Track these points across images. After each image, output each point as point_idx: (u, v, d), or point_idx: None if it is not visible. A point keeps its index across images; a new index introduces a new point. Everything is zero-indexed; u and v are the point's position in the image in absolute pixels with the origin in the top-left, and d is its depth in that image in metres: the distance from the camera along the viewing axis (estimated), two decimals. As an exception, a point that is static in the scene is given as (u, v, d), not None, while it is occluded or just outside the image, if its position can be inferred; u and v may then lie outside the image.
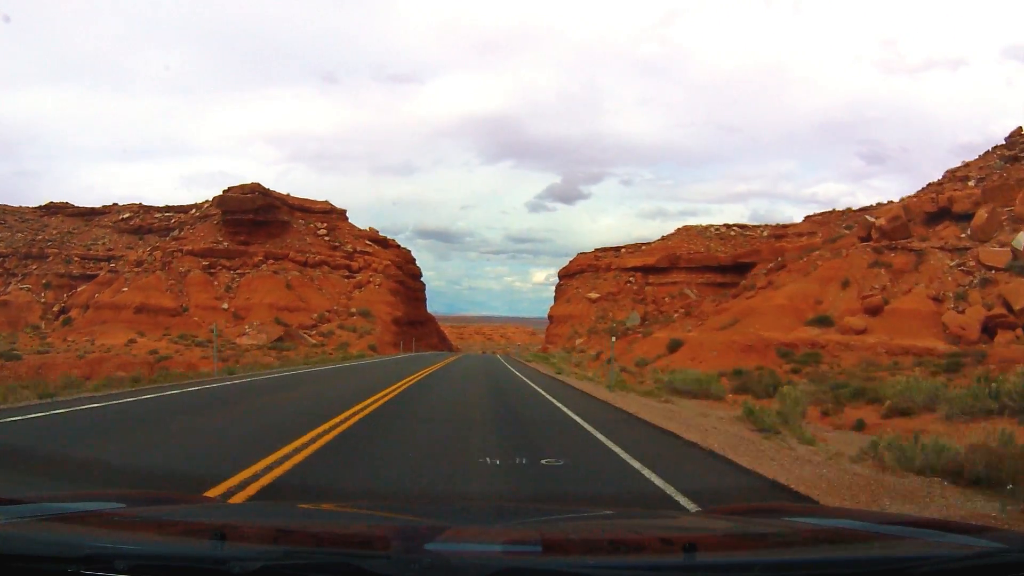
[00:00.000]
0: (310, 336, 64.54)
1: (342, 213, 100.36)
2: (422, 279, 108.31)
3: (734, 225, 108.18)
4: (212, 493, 6.20)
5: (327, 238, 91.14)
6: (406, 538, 2.50)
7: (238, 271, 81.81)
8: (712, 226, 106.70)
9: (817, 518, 3.15)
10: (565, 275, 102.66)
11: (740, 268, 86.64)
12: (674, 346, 38.74)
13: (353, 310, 73.57)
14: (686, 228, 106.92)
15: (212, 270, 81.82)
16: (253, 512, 3.57)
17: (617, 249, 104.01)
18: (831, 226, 75.95)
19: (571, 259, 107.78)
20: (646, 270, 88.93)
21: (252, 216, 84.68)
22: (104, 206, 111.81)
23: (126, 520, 2.49)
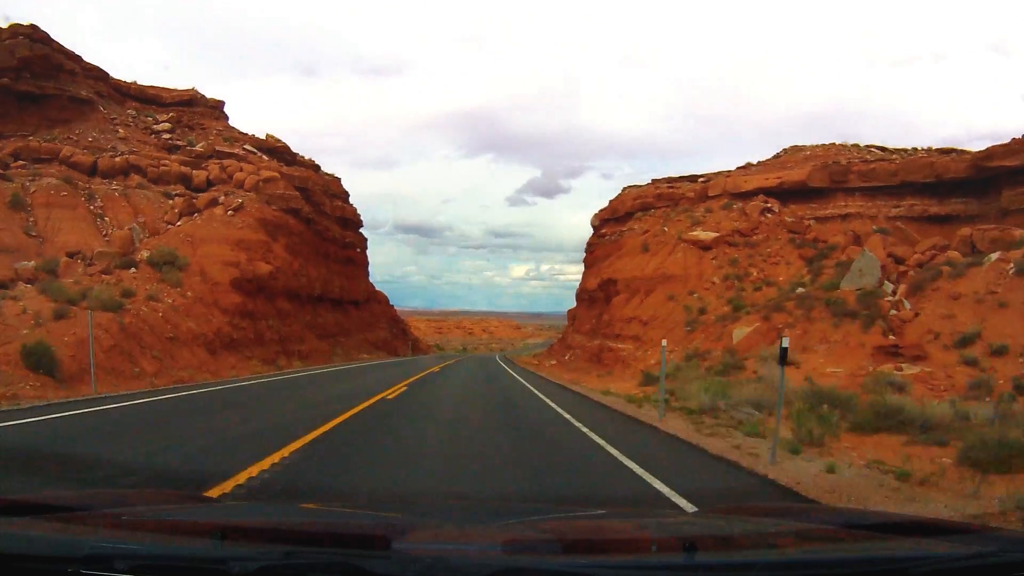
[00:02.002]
0: None
1: (215, 107, 52.14)
2: (362, 231, 59.20)
3: (871, 146, 61.31)
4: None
5: (168, 135, 41.73)
6: (406, 538, 2.48)
7: (-63, 180, 32.09)
8: (840, 144, 60.15)
9: (817, 518, 3.06)
10: (610, 218, 54.64)
11: (979, 186, 37.51)
12: None
13: (144, 254, 20.41)
14: (796, 148, 60.29)
15: None
16: (253, 512, 3.53)
17: (693, 178, 57.20)
18: None
19: (613, 197, 62.13)
20: (784, 194, 41.04)
21: (11, 81, 46.03)
22: None
23: (126, 520, 2.44)
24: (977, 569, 1.91)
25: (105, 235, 36.06)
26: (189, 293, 27.84)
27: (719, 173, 61.23)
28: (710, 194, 52.65)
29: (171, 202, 40.30)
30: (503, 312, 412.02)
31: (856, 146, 65.30)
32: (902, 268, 32.24)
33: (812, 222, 44.85)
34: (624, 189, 66.22)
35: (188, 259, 30.42)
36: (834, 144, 63.24)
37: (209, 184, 44.06)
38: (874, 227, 43.05)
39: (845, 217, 47.17)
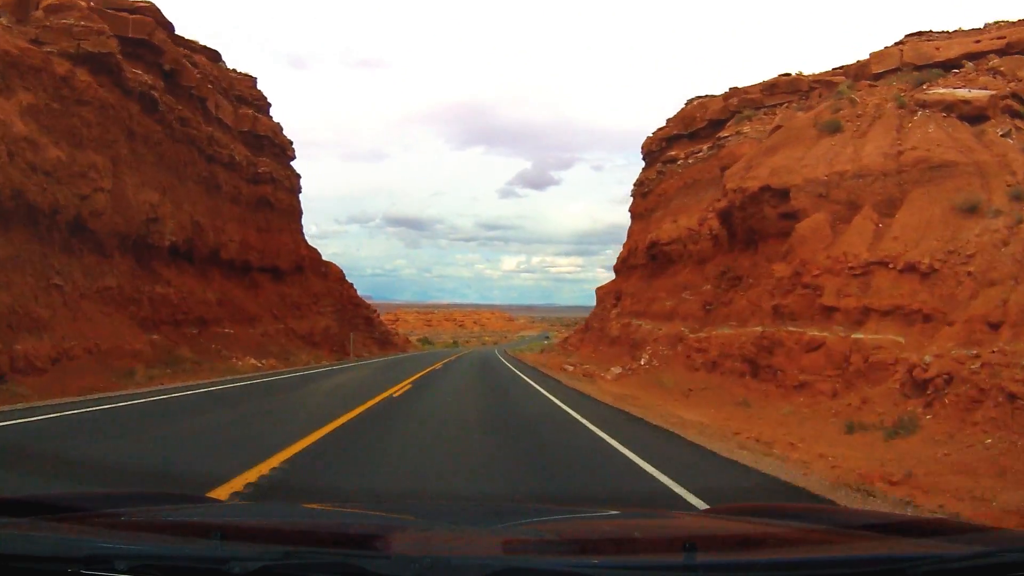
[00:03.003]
0: None
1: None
2: (294, 163, 35.36)
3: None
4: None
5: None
6: (406, 538, 2.42)
7: None
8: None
9: (817, 518, 2.86)
10: (681, 135, 30.33)
11: None
12: None
13: None
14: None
15: None
16: (253, 512, 3.45)
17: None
18: None
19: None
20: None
21: None
22: None
23: (126, 520, 2.39)
24: (977, 569, 1.87)
25: None
26: None
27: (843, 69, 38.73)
28: (874, 71, 30.16)
29: None
30: (494, 305, 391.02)
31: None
32: None
33: None
34: (690, 101, 43.80)
35: None
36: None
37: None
38: None
39: None
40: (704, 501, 6.65)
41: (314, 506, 4.15)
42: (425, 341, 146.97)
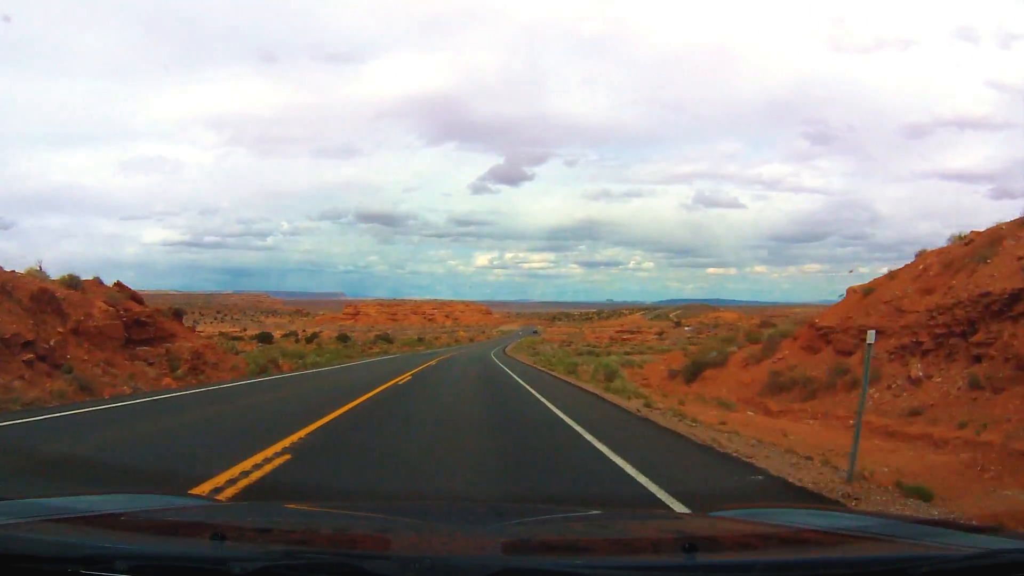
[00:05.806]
0: None
1: None
2: None
3: None
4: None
5: None
6: (406, 538, 2.43)
7: None
8: None
9: (817, 518, 2.99)
10: None
11: None
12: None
13: None
14: None
15: None
16: (253, 512, 3.44)
17: None
18: None
19: None
20: None
21: None
22: None
23: (126, 520, 2.43)
24: (977, 569, 1.87)
25: None
26: None
27: None
28: None
29: None
30: (469, 301, 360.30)
31: None
32: None
33: None
34: None
35: None
36: None
37: None
38: None
39: None
40: None
41: (314, 507, 4.11)
42: (384, 338, 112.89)
